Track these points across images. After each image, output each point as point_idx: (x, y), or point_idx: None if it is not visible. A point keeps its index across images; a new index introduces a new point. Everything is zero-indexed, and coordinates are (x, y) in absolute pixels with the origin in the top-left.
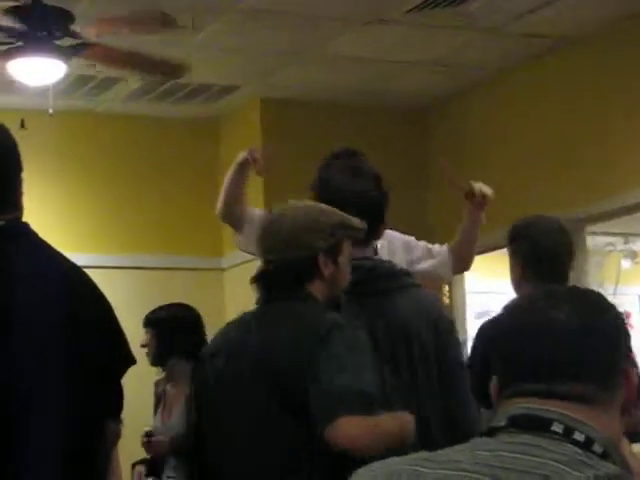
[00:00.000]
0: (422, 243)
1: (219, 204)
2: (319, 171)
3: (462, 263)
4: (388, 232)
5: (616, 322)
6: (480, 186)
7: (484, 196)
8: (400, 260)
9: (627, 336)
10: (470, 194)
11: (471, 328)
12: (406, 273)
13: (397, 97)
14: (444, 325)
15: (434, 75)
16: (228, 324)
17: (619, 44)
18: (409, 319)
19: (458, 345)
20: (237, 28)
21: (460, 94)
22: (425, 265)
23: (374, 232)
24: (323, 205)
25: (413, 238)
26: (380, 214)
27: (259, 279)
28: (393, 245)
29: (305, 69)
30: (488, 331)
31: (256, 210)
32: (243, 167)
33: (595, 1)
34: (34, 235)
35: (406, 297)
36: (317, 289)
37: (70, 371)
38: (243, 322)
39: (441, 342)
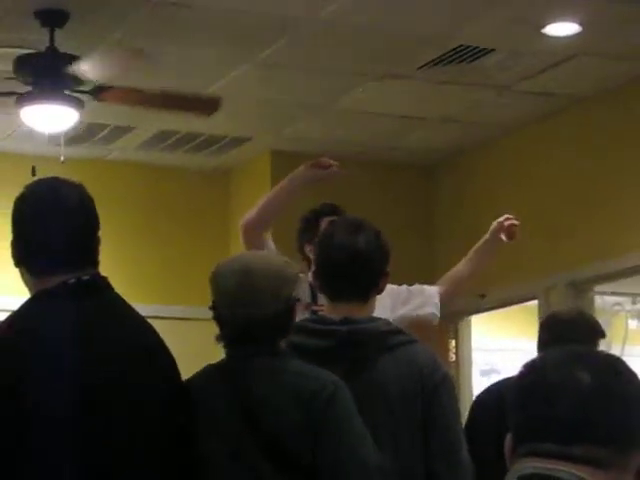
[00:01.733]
0: (404, 289)
1: (252, 214)
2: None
3: (458, 288)
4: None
5: (635, 384)
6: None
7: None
8: (384, 307)
9: None
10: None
11: (476, 385)
12: (395, 331)
13: (407, 152)
14: (435, 384)
15: (445, 131)
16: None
17: (630, 104)
18: (392, 383)
19: (452, 404)
20: (250, 80)
21: (470, 150)
22: (406, 309)
23: (372, 288)
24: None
25: (401, 286)
26: (378, 271)
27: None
28: (382, 300)
29: (317, 122)
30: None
31: (271, 242)
32: (296, 183)
33: (606, 61)
34: (113, 290)
35: (392, 358)
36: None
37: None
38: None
39: (432, 403)
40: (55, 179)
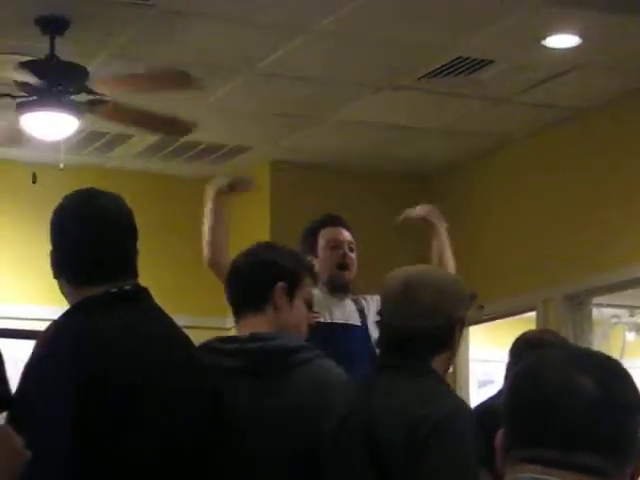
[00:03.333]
0: None
1: (205, 253)
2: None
3: None
4: (366, 295)
5: (636, 391)
6: (420, 208)
7: (430, 210)
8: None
9: None
10: (422, 219)
11: (474, 397)
12: (303, 347)
13: (406, 162)
14: (348, 399)
15: (444, 142)
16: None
17: (629, 116)
18: (304, 402)
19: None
20: (250, 90)
21: (468, 161)
22: None
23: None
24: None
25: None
26: (264, 283)
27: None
28: (375, 305)
29: (316, 133)
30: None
31: None
32: (221, 196)
33: (605, 73)
34: (153, 300)
35: (304, 374)
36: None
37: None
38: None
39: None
40: (94, 190)
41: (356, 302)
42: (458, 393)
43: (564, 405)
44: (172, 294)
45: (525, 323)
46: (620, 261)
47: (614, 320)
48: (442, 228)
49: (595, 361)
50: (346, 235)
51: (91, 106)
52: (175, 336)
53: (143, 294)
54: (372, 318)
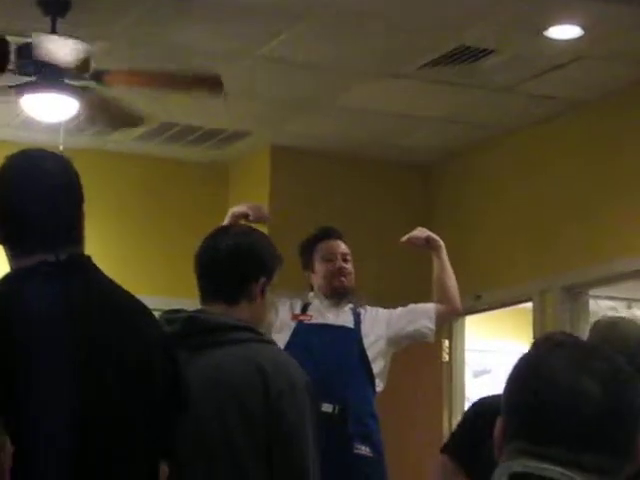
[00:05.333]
0: (399, 309)
1: None
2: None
3: (450, 306)
4: (366, 305)
5: (638, 392)
6: (423, 231)
7: (432, 239)
8: (381, 330)
9: None
10: (424, 244)
11: (469, 386)
12: (244, 328)
13: (406, 151)
14: (280, 385)
15: (443, 131)
16: None
17: (629, 108)
18: (228, 378)
19: (298, 412)
20: (251, 75)
21: (468, 150)
22: (402, 326)
23: (238, 292)
24: None
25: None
26: (244, 275)
27: None
28: (373, 314)
29: (317, 119)
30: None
31: None
32: (236, 220)
33: (607, 65)
34: (98, 271)
35: (229, 353)
36: None
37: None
38: None
39: (274, 407)
40: (38, 151)
41: (354, 309)
42: (453, 383)
43: (570, 408)
44: (169, 278)
45: (522, 314)
46: (618, 253)
47: (611, 312)
48: (442, 252)
49: (601, 362)
50: (341, 247)
51: (98, 79)
52: (115, 306)
53: (83, 263)
54: (368, 324)
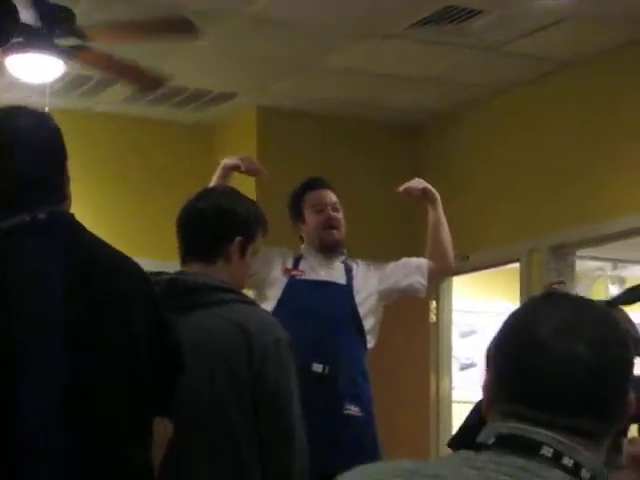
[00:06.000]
0: (392, 264)
1: None
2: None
3: (443, 262)
4: (358, 260)
5: (629, 353)
6: (420, 182)
7: (428, 190)
8: (372, 286)
9: (633, 364)
10: (421, 195)
11: (457, 347)
12: (226, 289)
13: (393, 111)
14: (264, 346)
15: (431, 91)
16: None
17: (615, 69)
18: (212, 339)
19: (283, 372)
20: (237, 36)
21: (455, 111)
22: (394, 280)
23: (215, 251)
24: None
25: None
26: (220, 234)
27: None
28: (365, 269)
29: (303, 80)
30: None
31: None
32: (228, 172)
33: (595, 25)
34: (81, 228)
35: (213, 314)
36: None
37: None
38: None
39: (259, 368)
40: (13, 108)
41: (346, 264)
42: (440, 343)
43: (556, 369)
44: (154, 240)
45: (508, 274)
46: (605, 214)
47: (598, 273)
48: (438, 205)
49: (592, 324)
50: (330, 196)
51: (77, 50)
52: (98, 261)
53: (65, 222)
54: (360, 279)
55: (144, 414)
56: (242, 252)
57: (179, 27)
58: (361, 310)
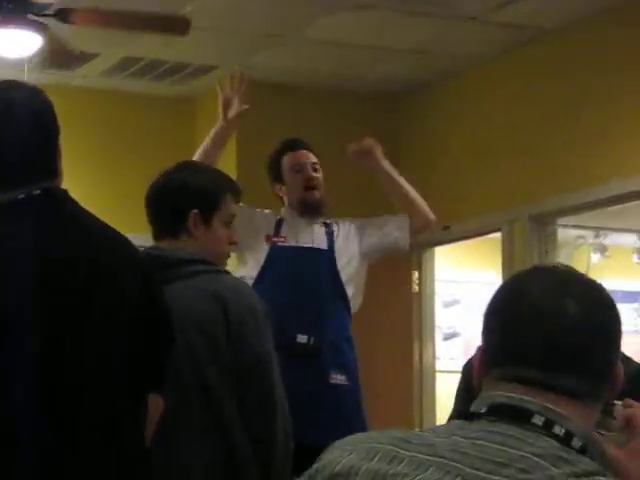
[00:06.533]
0: (372, 220)
1: None
2: None
3: (418, 216)
4: (339, 220)
5: (617, 318)
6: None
7: (368, 146)
8: (354, 249)
9: (621, 332)
10: (361, 153)
11: (439, 317)
12: (197, 260)
13: (374, 82)
14: (240, 313)
15: (411, 62)
16: None
17: (597, 35)
18: (188, 311)
19: (260, 338)
20: (216, 8)
21: (437, 81)
22: (376, 238)
23: (175, 226)
24: None
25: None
26: (178, 209)
27: None
28: (346, 230)
29: (283, 51)
30: None
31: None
32: (221, 134)
33: None
34: (74, 204)
35: (187, 286)
36: None
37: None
38: None
39: (237, 336)
40: (8, 82)
41: (326, 225)
42: (423, 314)
43: (547, 326)
44: (133, 213)
45: (490, 244)
46: (585, 182)
47: (579, 241)
48: (386, 164)
49: (581, 286)
50: (309, 156)
51: (63, 17)
52: (90, 234)
53: (57, 197)
54: (341, 242)
55: (135, 390)
56: (206, 222)
57: (174, 24)
58: (343, 275)
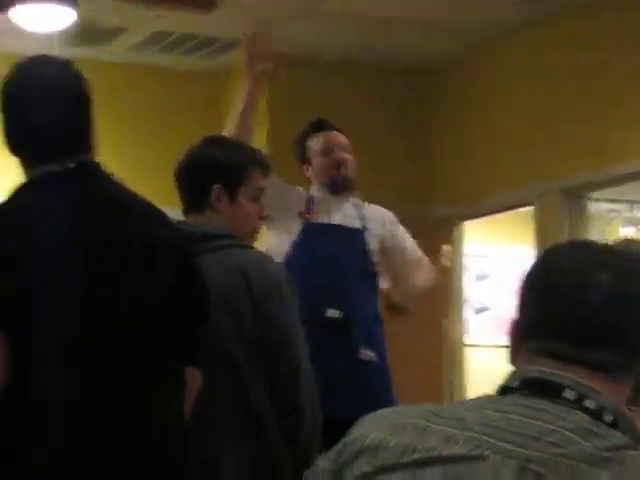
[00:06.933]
0: (403, 242)
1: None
2: None
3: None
4: (378, 208)
5: None
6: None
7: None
8: (379, 232)
9: None
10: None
11: (469, 291)
12: (222, 235)
13: (403, 56)
14: (266, 287)
15: (441, 34)
16: None
17: (634, 7)
18: (216, 289)
19: (286, 311)
20: None
21: (466, 54)
22: (395, 262)
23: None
24: None
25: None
26: (201, 184)
27: None
28: (379, 219)
29: (306, 25)
30: None
31: None
32: (249, 96)
33: None
34: (109, 177)
35: (213, 261)
36: None
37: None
38: None
39: (263, 310)
40: (44, 57)
41: (357, 207)
42: (453, 287)
43: (579, 300)
44: (162, 187)
45: (521, 218)
46: (620, 155)
47: (612, 215)
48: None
49: (617, 259)
50: (339, 138)
51: None
52: (126, 208)
53: (92, 171)
54: (372, 225)
55: (172, 367)
56: (231, 197)
57: (200, 2)
58: (373, 253)
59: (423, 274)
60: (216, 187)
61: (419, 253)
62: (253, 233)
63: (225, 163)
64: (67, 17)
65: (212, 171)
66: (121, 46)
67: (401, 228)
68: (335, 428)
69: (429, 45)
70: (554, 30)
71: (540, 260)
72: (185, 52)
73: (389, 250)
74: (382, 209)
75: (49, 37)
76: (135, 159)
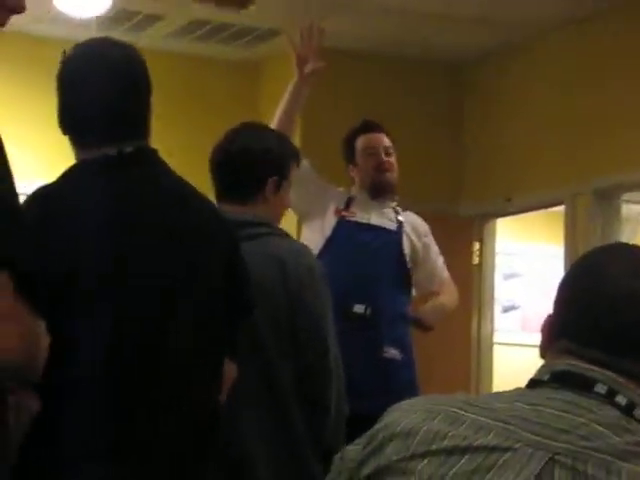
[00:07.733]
0: (434, 261)
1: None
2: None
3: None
4: (416, 217)
5: None
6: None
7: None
8: (415, 238)
9: None
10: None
11: (499, 289)
12: (258, 223)
13: (437, 51)
14: (299, 274)
15: (475, 31)
16: None
17: None
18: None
19: (318, 297)
20: None
21: (501, 51)
22: (420, 274)
23: (250, 191)
24: None
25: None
26: (257, 175)
27: None
28: (420, 230)
29: (348, 18)
30: None
31: (305, 162)
32: (298, 92)
33: None
34: (164, 165)
35: (250, 249)
36: None
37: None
38: None
39: (296, 297)
40: (104, 39)
41: (396, 212)
42: (483, 285)
43: (619, 309)
44: (194, 176)
45: (553, 217)
46: None
47: None
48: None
49: None
50: (383, 140)
51: None
52: (177, 196)
53: (148, 156)
54: (408, 228)
55: (214, 357)
56: (277, 189)
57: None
58: (408, 257)
59: (450, 296)
60: (272, 179)
61: (446, 273)
62: (279, 223)
63: (279, 155)
64: (105, 2)
65: (267, 163)
66: (158, 33)
67: (434, 243)
68: (357, 422)
69: (461, 41)
70: (587, 29)
71: (583, 260)
72: (221, 41)
73: (419, 261)
74: (419, 219)
75: (88, 22)
76: (172, 145)
